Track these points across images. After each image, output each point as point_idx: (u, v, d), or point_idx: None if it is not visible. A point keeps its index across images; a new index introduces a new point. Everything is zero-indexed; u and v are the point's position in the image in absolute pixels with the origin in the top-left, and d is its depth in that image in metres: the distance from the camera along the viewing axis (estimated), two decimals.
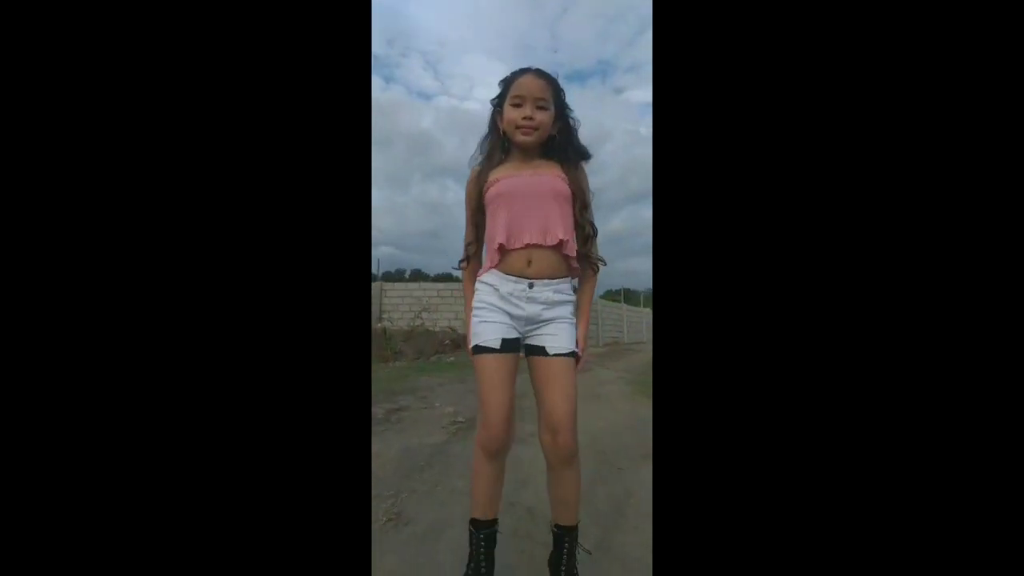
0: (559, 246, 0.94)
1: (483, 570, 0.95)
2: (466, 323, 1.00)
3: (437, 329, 8.82)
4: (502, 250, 0.95)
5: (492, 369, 0.92)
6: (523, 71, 0.97)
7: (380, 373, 4.92)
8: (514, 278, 0.94)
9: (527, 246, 0.94)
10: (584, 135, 1.04)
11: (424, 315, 9.22)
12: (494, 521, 0.97)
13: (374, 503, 1.63)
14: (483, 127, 1.06)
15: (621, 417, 3.14)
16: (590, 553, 0.95)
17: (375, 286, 10.27)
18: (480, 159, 1.03)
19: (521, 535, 1.37)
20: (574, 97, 1.05)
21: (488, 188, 0.98)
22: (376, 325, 8.60)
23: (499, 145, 1.01)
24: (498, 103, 1.00)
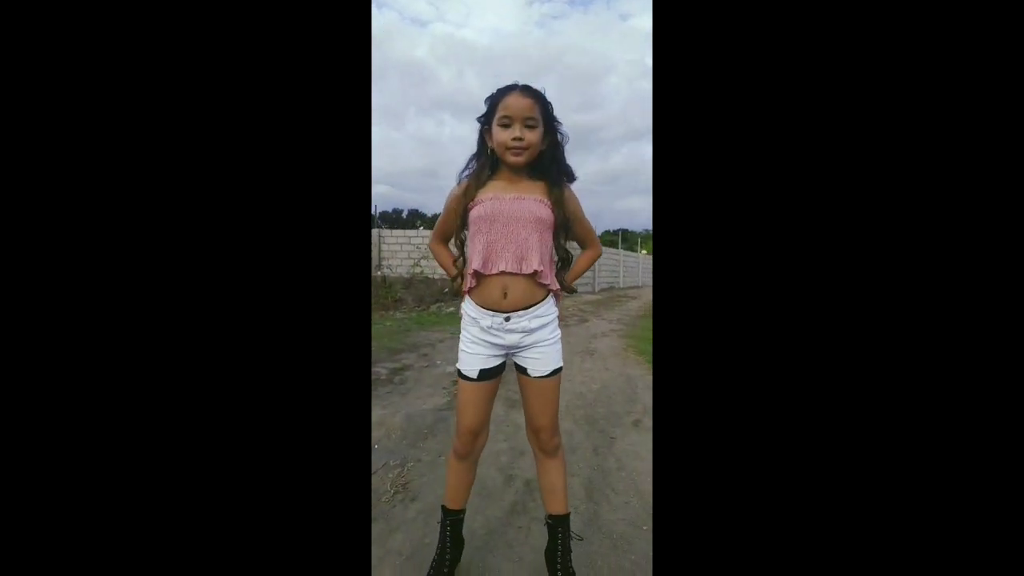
0: (534, 275, 0.97)
1: (448, 552, 1.09)
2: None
3: (436, 276, 8.88)
4: (477, 275, 0.98)
5: (468, 394, 1.03)
6: (510, 89, 0.97)
7: (381, 326, 5.02)
8: (491, 312, 0.99)
9: (502, 273, 0.97)
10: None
11: (423, 263, 9.24)
12: (461, 511, 1.12)
13: (382, 472, 1.76)
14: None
15: (613, 378, 3.26)
16: (581, 539, 1.06)
17: (372, 233, 10.20)
18: (468, 175, 1.04)
19: (519, 510, 1.49)
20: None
21: (472, 207, 0.99)
22: (375, 273, 8.65)
23: (487, 163, 1.02)
24: (485, 121, 1.01)
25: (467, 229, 1.02)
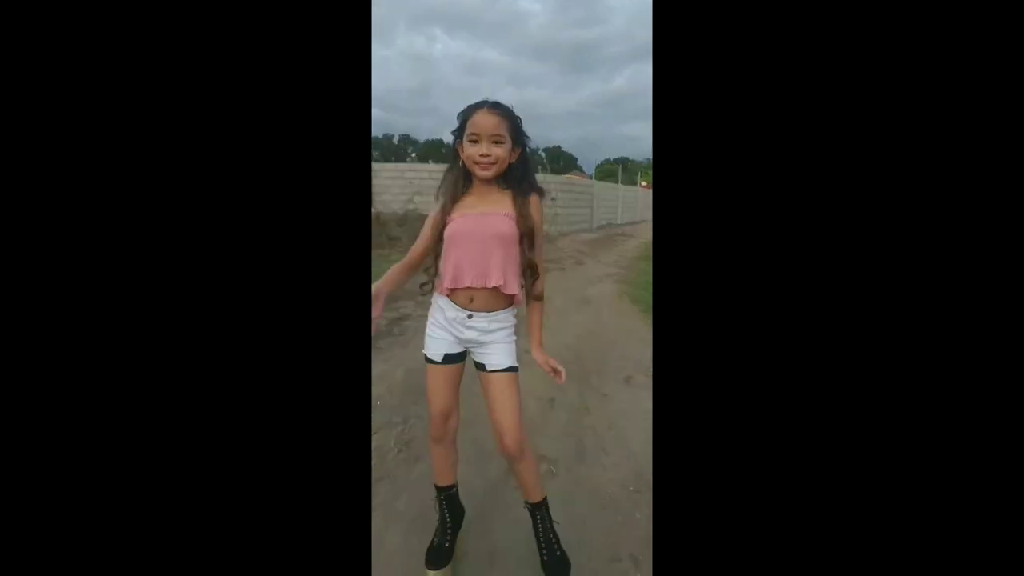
0: (495, 288, 1.06)
1: (449, 522, 1.21)
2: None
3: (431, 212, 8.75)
4: (448, 289, 1.08)
5: (434, 377, 1.14)
6: (478, 106, 1.04)
7: (376, 270, 5.02)
8: (456, 307, 1.09)
9: (468, 288, 1.06)
10: None
11: (417, 199, 9.06)
12: (452, 485, 1.23)
13: (385, 430, 1.85)
14: None
15: (607, 330, 3.35)
16: (558, 523, 1.17)
17: None
18: (445, 190, 1.11)
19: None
20: None
21: (447, 223, 1.08)
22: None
23: (461, 176, 1.10)
24: (458, 136, 1.08)
25: (442, 243, 1.09)
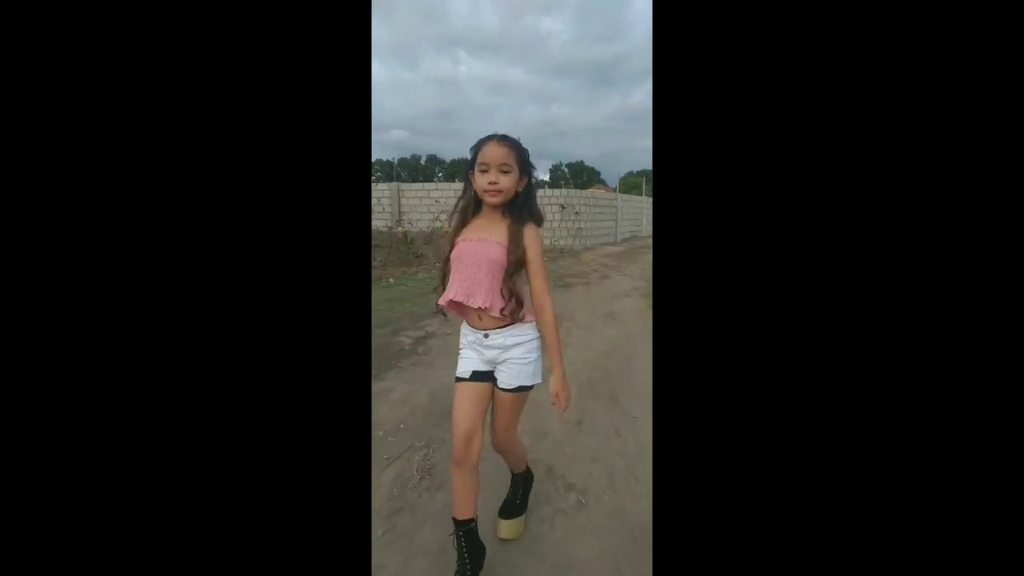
0: (482, 310, 1.14)
1: (468, 562, 1.16)
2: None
3: None
4: (450, 304, 1.18)
5: (460, 395, 1.18)
6: (489, 139, 1.14)
7: (404, 287, 5.06)
8: (473, 330, 1.19)
9: (477, 308, 1.14)
10: None
11: (442, 217, 9.17)
12: (471, 520, 1.17)
13: (408, 455, 1.81)
14: None
15: (635, 347, 3.24)
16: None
17: (391, 188, 10.09)
18: (456, 215, 1.24)
19: (541, 500, 1.53)
20: None
21: (454, 246, 1.19)
22: (397, 229, 8.63)
23: (471, 203, 1.22)
24: (470, 167, 1.18)
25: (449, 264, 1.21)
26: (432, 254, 7.74)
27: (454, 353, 1.22)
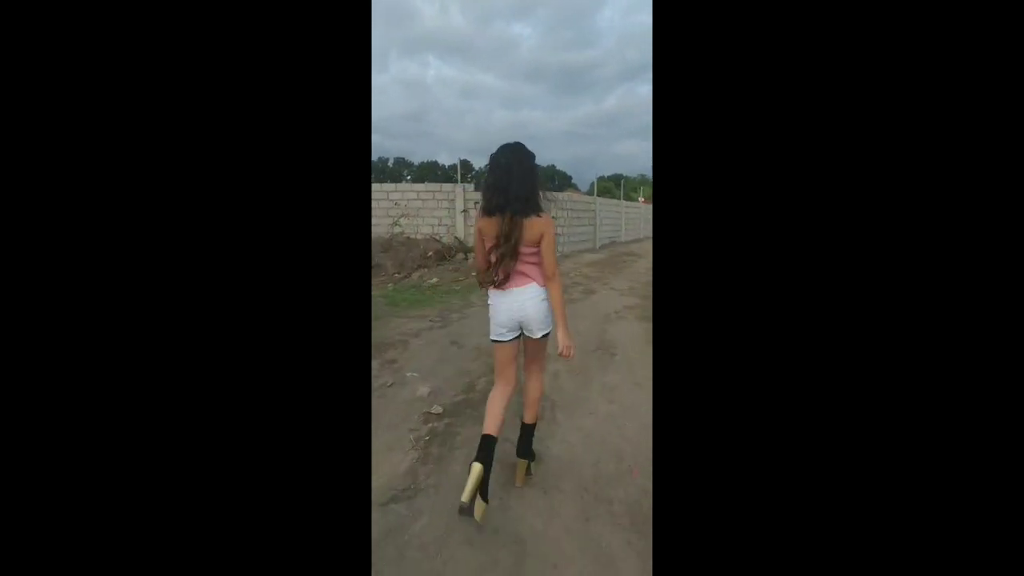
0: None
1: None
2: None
3: (419, 236, 7.82)
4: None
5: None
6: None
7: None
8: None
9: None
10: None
11: (403, 221, 8.14)
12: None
13: None
14: None
15: (641, 392, 2.35)
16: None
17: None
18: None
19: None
20: None
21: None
22: None
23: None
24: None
25: None
26: (390, 263, 6.73)
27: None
